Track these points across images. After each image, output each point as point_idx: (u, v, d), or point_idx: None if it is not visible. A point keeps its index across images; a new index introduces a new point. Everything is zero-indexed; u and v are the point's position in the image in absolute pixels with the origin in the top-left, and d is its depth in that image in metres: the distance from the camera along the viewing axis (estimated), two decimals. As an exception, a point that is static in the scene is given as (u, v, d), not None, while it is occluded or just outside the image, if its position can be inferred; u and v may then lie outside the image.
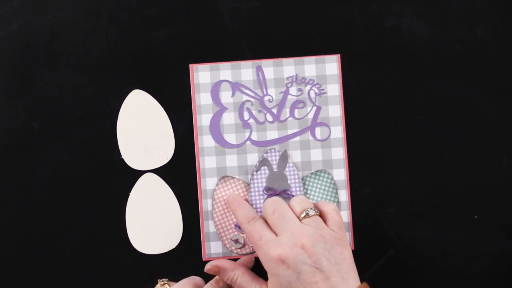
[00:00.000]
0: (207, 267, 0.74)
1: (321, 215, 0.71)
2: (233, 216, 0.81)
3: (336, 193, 0.81)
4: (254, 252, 0.81)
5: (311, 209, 0.70)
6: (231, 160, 0.81)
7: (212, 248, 0.81)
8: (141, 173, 0.81)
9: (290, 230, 0.68)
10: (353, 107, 0.82)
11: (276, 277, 0.67)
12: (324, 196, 0.81)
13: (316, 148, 0.81)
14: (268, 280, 0.69)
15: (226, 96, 0.81)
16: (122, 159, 0.81)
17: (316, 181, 0.81)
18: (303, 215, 0.69)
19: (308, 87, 0.82)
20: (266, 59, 0.81)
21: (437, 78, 0.81)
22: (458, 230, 0.81)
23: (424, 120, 0.81)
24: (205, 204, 0.81)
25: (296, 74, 0.82)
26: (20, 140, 0.81)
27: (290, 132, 0.81)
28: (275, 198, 0.73)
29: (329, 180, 0.81)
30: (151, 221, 0.81)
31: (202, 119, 0.81)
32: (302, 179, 0.81)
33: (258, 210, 0.81)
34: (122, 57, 0.82)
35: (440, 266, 0.81)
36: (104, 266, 0.81)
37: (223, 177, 0.81)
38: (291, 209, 0.71)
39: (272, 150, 0.81)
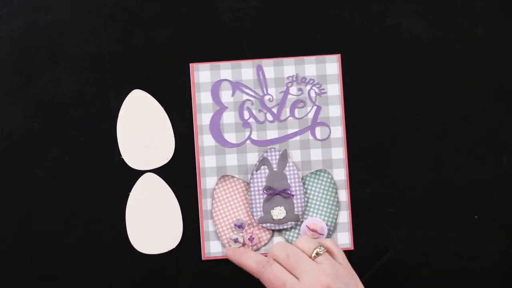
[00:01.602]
0: None
1: None
2: (232, 216, 0.81)
3: (336, 193, 0.81)
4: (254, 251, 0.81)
5: (319, 247, 0.70)
6: (231, 159, 0.81)
7: (211, 247, 0.81)
8: (141, 173, 0.81)
9: (310, 271, 0.68)
10: (353, 107, 0.82)
11: None
12: (324, 196, 0.81)
13: (316, 147, 0.81)
14: None
15: (226, 95, 0.81)
16: (122, 159, 0.81)
17: (316, 180, 0.81)
18: (314, 254, 0.70)
19: (309, 86, 0.82)
20: (266, 59, 0.81)
21: (437, 78, 0.82)
22: (458, 230, 0.81)
23: (424, 120, 0.81)
24: (205, 203, 0.81)
25: (297, 74, 0.82)
26: (20, 140, 0.81)
27: (290, 131, 0.81)
28: (282, 242, 0.72)
29: (329, 180, 0.81)
30: (151, 221, 0.81)
31: (202, 118, 0.81)
32: (302, 179, 0.81)
33: (258, 209, 0.80)
34: (122, 57, 0.82)
35: (440, 266, 0.81)
36: (104, 266, 0.81)
37: (223, 176, 0.81)
38: (300, 250, 0.71)
39: (272, 150, 0.81)
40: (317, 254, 0.69)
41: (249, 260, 0.72)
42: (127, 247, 0.81)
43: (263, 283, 0.70)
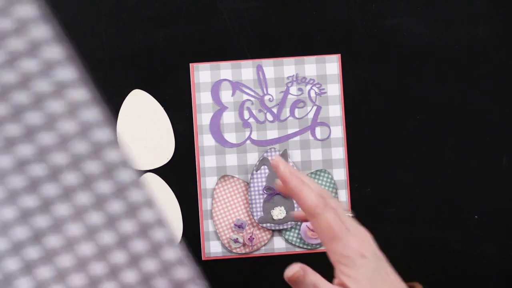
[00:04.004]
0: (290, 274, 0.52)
1: None
2: (232, 216, 0.81)
3: (336, 193, 0.81)
4: (254, 251, 0.81)
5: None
6: (231, 159, 0.81)
7: (211, 247, 0.81)
8: (141, 173, 0.81)
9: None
10: (353, 107, 0.82)
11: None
12: (324, 196, 0.81)
13: (316, 147, 0.81)
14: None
15: (226, 95, 0.82)
16: (122, 159, 0.81)
17: (316, 181, 0.81)
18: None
19: (309, 86, 0.82)
20: (266, 59, 0.82)
21: (437, 78, 0.82)
22: (458, 230, 0.81)
23: (424, 120, 0.81)
24: (205, 203, 0.81)
25: (297, 74, 0.82)
26: (20, 140, 0.81)
27: (290, 131, 0.81)
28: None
29: (329, 180, 0.81)
30: (151, 221, 0.81)
31: (202, 118, 0.81)
32: (302, 179, 0.81)
33: (258, 209, 0.81)
34: (122, 57, 0.82)
35: (440, 266, 0.81)
36: (104, 266, 0.81)
37: (223, 176, 0.81)
38: None
39: (272, 150, 0.81)
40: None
41: (310, 192, 0.53)
42: (127, 247, 0.81)
43: (317, 224, 0.53)
